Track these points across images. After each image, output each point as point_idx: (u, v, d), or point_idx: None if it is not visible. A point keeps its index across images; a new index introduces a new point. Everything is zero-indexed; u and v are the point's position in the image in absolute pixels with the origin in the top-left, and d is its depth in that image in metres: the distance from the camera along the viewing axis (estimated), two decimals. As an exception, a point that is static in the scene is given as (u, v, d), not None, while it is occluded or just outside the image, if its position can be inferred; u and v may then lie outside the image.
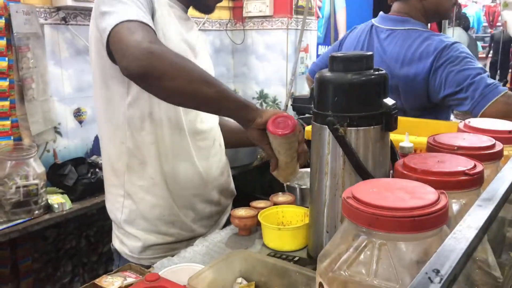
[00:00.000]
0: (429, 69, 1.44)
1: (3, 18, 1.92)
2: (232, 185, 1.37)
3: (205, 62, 1.26)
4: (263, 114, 0.96)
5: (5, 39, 1.93)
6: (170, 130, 1.14)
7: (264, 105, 3.38)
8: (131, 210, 1.17)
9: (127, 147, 1.14)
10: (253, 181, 2.84)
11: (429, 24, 1.76)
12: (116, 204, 1.19)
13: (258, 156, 2.83)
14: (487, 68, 5.77)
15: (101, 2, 1.01)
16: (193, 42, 1.21)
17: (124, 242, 1.20)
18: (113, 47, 0.95)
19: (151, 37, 0.94)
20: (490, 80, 1.37)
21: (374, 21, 1.66)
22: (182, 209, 1.20)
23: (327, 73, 0.83)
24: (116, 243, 1.23)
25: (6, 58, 1.94)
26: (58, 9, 2.21)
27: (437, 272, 0.36)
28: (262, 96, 3.39)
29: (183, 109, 1.15)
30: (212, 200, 1.26)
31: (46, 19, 2.18)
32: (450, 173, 0.65)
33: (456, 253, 0.39)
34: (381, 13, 1.68)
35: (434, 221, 0.52)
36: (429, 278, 0.35)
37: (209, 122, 1.24)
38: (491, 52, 6.92)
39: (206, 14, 1.26)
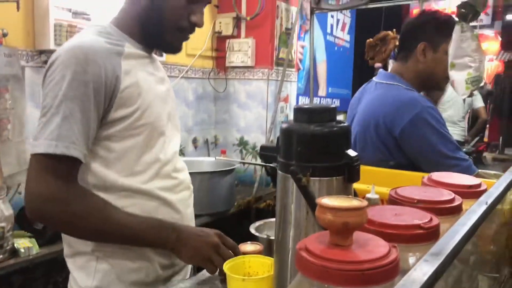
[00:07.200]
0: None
1: (-16, 60, 1.93)
2: None
3: (173, 104, 1.24)
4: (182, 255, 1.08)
5: (-16, 80, 1.93)
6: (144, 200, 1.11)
7: (244, 151, 3.41)
8: (104, 274, 1.08)
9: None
10: (230, 229, 2.78)
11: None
12: (87, 269, 1.09)
13: (235, 203, 2.81)
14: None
15: (43, 95, 0.98)
16: (163, 88, 1.19)
17: None
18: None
19: (53, 189, 0.96)
20: None
21: (374, 77, 1.76)
22: (162, 268, 1.15)
23: (291, 123, 0.85)
24: None
25: (-17, 99, 1.93)
26: (41, 52, 2.23)
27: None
28: (242, 143, 3.41)
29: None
30: None
31: (27, 62, 2.20)
32: (406, 226, 0.65)
33: (396, 309, 0.39)
34: (381, 70, 1.79)
35: (384, 275, 0.51)
36: (363, 335, 0.34)
37: (182, 172, 1.23)
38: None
39: (174, 53, 1.19)
